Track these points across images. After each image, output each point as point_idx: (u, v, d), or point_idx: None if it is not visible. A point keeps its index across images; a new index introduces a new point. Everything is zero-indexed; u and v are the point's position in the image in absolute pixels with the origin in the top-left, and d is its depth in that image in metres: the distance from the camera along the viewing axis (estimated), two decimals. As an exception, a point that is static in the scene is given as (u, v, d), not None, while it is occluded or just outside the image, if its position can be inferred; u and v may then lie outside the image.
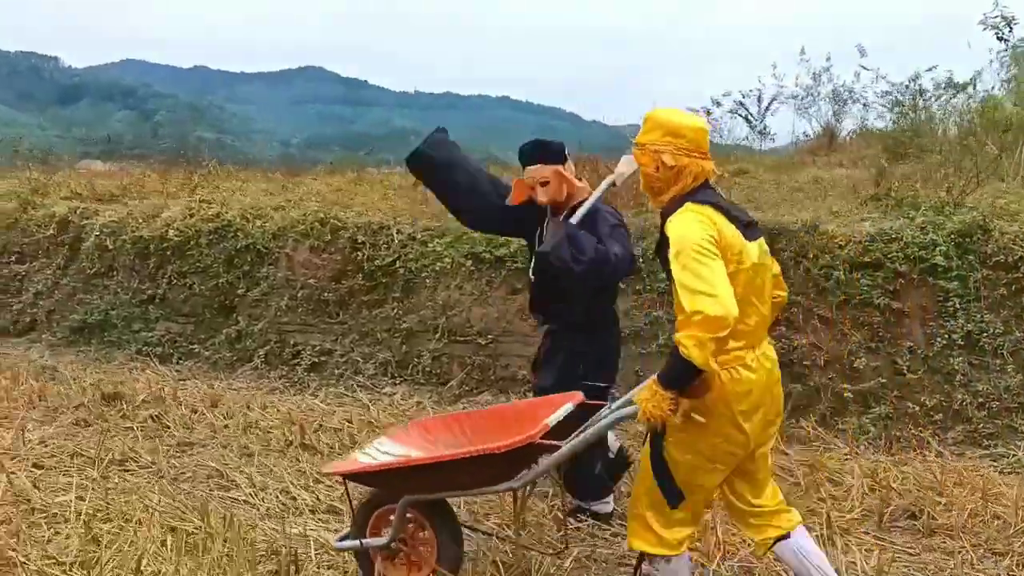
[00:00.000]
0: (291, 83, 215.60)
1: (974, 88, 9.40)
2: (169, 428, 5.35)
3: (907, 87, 10.50)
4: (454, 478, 3.00)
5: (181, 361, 7.10)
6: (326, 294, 6.72)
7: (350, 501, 3.35)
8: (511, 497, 3.71)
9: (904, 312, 5.14)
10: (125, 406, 5.74)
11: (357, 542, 3.20)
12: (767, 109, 11.04)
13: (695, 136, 2.71)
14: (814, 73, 10.72)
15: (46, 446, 5.01)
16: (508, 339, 5.99)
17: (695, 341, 2.38)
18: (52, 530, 3.77)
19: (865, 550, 3.62)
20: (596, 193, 3.77)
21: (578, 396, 3.30)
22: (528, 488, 3.25)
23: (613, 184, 3.89)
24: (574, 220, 3.60)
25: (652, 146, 2.72)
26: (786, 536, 2.84)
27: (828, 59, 10.88)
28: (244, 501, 4.30)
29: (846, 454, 4.72)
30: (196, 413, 5.67)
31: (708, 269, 2.46)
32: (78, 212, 8.29)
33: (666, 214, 2.70)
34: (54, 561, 3.45)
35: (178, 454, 4.91)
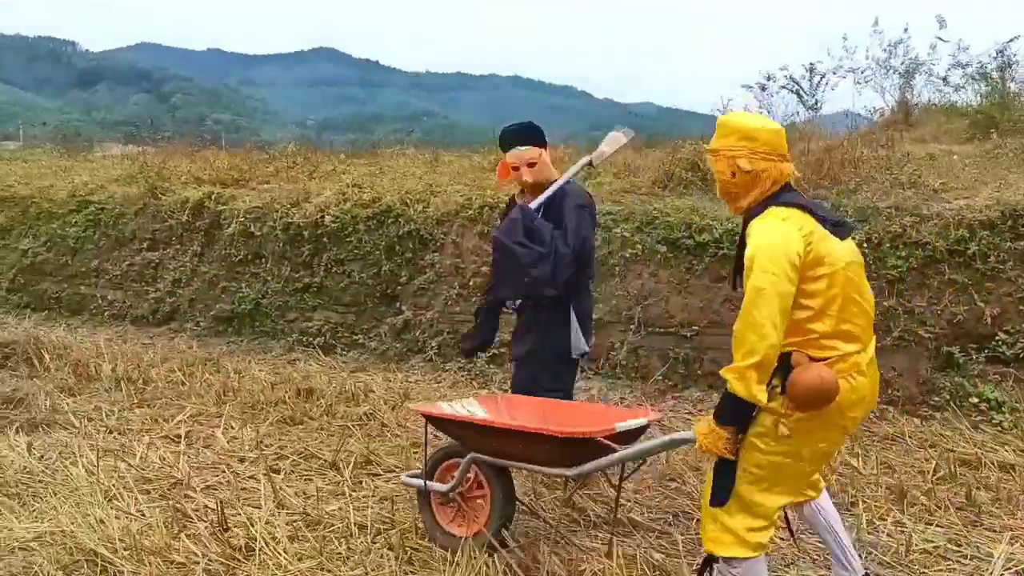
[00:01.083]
0: (304, 65, 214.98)
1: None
2: (388, 426, 5.10)
3: (994, 58, 10.18)
4: (517, 449, 3.20)
5: (345, 352, 6.86)
6: (502, 283, 6.44)
7: (426, 443, 3.61)
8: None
9: None
10: (323, 402, 5.50)
11: (422, 482, 3.51)
12: (818, 84, 10.53)
13: (771, 139, 2.65)
14: (889, 45, 10.36)
15: (268, 447, 4.77)
16: (715, 331, 5.69)
17: (735, 375, 2.43)
18: (359, 551, 3.52)
19: None
20: (567, 173, 3.95)
21: (650, 413, 3.47)
22: (578, 480, 3.34)
23: (590, 164, 4.11)
24: (538, 201, 3.82)
25: (727, 151, 2.67)
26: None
27: (906, 30, 10.57)
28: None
29: None
30: (395, 409, 5.43)
31: (769, 303, 2.41)
32: (213, 197, 8.05)
33: (748, 219, 2.64)
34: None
35: (415, 455, 4.66)
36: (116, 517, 3.70)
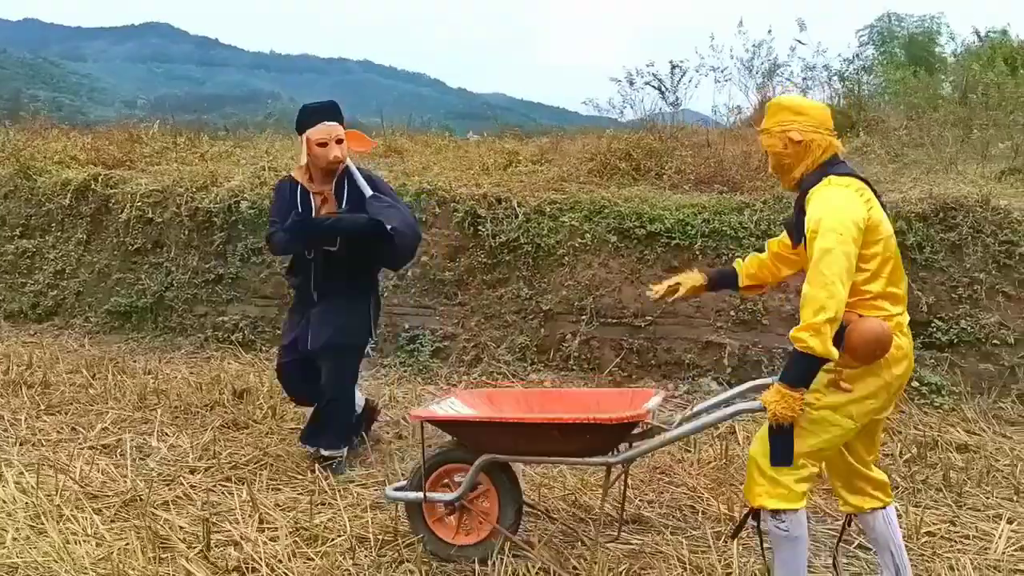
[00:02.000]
0: (134, 40, 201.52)
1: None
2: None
3: (849, 61, 10.88)
4: (551, 443, 3.02)
5: (268, 348, 6.36)
6: (442, 273, 6.18)
7: (424, 450, 3.24)
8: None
9: (1089, 289, 5.24)
10: (263, 403, 5.06)
11: (419, 494, 3.20)
12: (679, 82, 10.96)
13: (819, 114, 2.82)
14: (752, 46, 10.88)
15: (219, 455, 4.31)
16: (669, 321, 5.69)
17: (811, 332, 2.49)
18: (367, 565, 3.21)
19: None
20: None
21: (660, 392, 3.44)
22: (621, 467, 3.28)
23: None
24: (369, 190, 4.03)
25: (778, 127, 2.80)
26: (883, 507, 2.93)
27: (769, 31, 11.19)
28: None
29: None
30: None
31: (838, 262, 2.52)
32: (99, 179, 7.27)
33: (805, 189, 2.76)
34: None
35: (400, 457, 4.34)
36: (78, 543, 3.21)
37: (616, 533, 3.44)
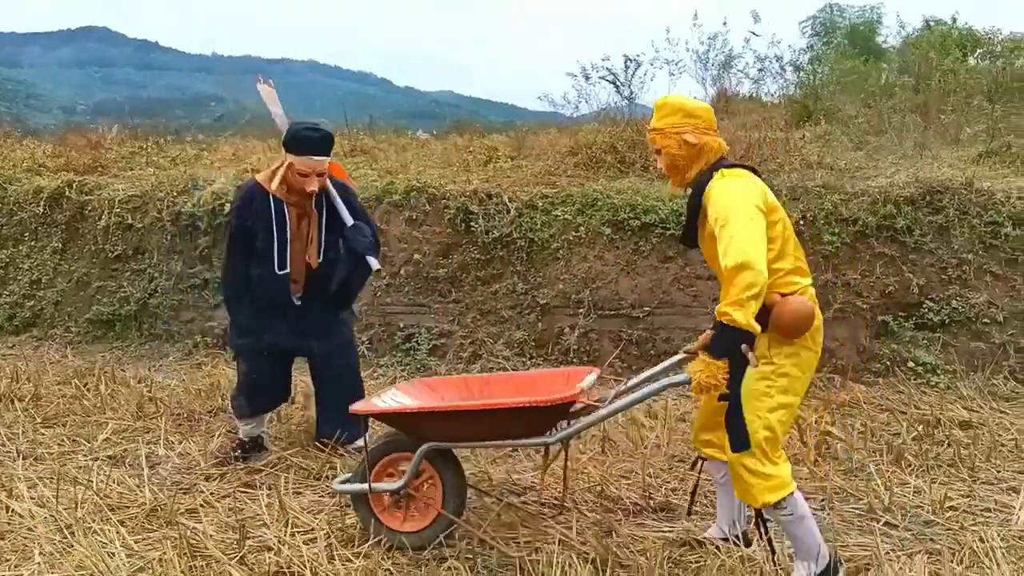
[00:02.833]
0: (71, 44, 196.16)
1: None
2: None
3: (803, 52, 11.11)
4: (486, 428, 3.11)
5: (260, 352, 6.24)
6: (435, 271, 6.14)
7: (366, 443, 3.39)
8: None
9: (1073, 266, 5.41)
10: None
11: (365, 486, 3.27)
12: (633, 75, 11.11)
13: (709, 116, 2.96)
14: (708, 38, 11.07)
15: (240, 466, 4.22)
16: (666, 311, 5.74)
17: (736, 305, 2.60)
18: (404, 563, 3.18)
19: None
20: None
21: (596, 368, 3.57)
22: (559, 446, 3.35)
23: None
24: (350, 217, 4.08)
25: (672, 128, 2.93)
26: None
27: (724, 23, 11.40)
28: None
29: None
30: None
31: (751, 238, 2.64)
32: (74, 186, 7.08)
33: (699, 187, 2.89)
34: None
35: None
36: (111, 555, 3.12)
37: (559, 510, 3.58)
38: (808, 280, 2.89)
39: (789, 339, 2.79)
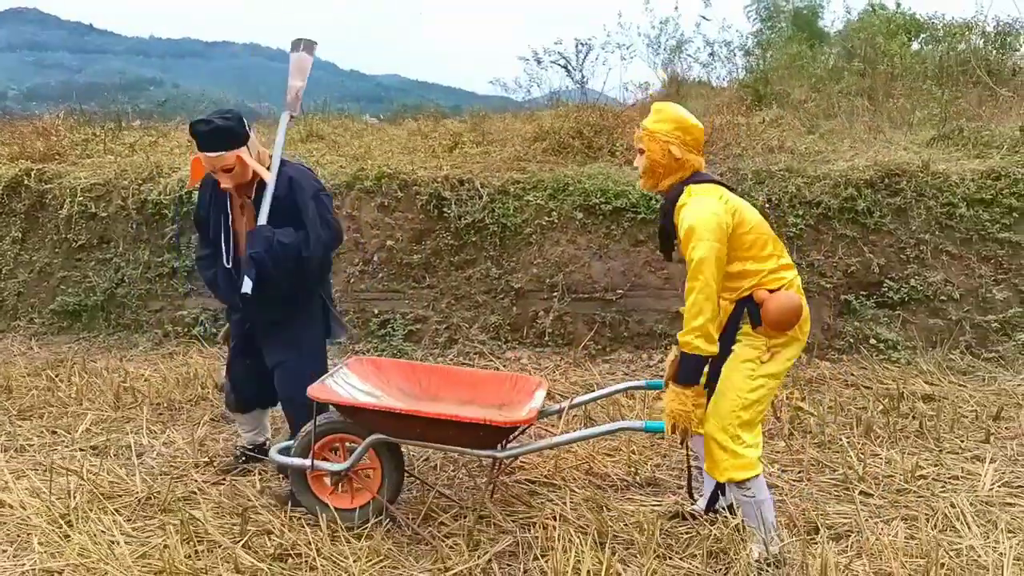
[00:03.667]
0: (1, 28, 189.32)
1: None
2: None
3: (754, 36, 11.34)
4: (439, 433, 3.18)
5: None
6: (409, 256, 6.17)
7: (315, 423, 3.36)
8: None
9: (1022, 244, 5.67)
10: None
11: (307, 462, 3.34)
12: (585, 59, 11.19)
13: (699, 135, 3.06)
14: (659, 23, 11.21)
15: (227, 453, 4.23)
16: (639, 293, 5.86)
17: (698, 333, 2.81)
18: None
19: None
20: (277, 149, 3.67)
21: (545, 382, 3.62)
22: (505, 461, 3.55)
23: (292, 119, 3.92)
24: (263, 213, 3.51)
25: (663, 136, 3.02)
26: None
27: (676, 8, 11.59)
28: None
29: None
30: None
31: (710, 267, 2.80)
32: (32, 174, 6.91)
33: (671, 200, 3.04)
34: None
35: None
36: (115, 543, 3.13)
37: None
38: (793, 273, 3.03)
39: (780, 332, 2.95)
